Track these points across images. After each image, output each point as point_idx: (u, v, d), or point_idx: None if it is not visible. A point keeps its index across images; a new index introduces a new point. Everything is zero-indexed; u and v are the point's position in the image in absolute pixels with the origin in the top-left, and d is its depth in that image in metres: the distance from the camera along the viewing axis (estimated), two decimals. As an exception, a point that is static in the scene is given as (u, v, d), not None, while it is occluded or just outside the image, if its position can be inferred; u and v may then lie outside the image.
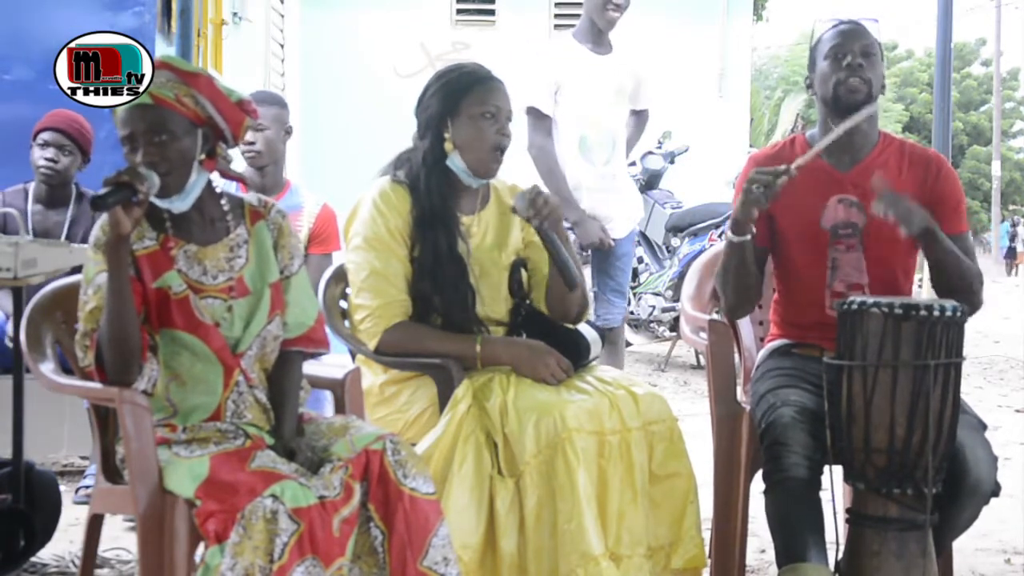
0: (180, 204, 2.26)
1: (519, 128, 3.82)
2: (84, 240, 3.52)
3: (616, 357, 4.30)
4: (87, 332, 2.20)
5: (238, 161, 3.64)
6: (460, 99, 2.64)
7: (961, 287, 2.61)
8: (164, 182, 2.18)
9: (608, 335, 4.24)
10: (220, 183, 2.42)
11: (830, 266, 2.69)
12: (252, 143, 3.71)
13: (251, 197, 2.44)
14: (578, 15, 4.36)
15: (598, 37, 4.19)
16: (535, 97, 4.13)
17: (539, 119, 4.14)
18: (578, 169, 4.15)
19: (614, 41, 4.24)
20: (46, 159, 3.83)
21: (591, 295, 4.36)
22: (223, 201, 2.36)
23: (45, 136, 3.85)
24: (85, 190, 3.91)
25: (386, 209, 2.65)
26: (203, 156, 2.28)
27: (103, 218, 2.16)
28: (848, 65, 2.65)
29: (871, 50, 2.67)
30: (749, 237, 2.63)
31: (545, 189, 3.04)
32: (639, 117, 4.44)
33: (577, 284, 2.61)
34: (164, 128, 2.20)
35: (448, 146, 2.66)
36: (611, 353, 4.27)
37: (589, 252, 4.29)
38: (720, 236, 7.24)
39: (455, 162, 2.66)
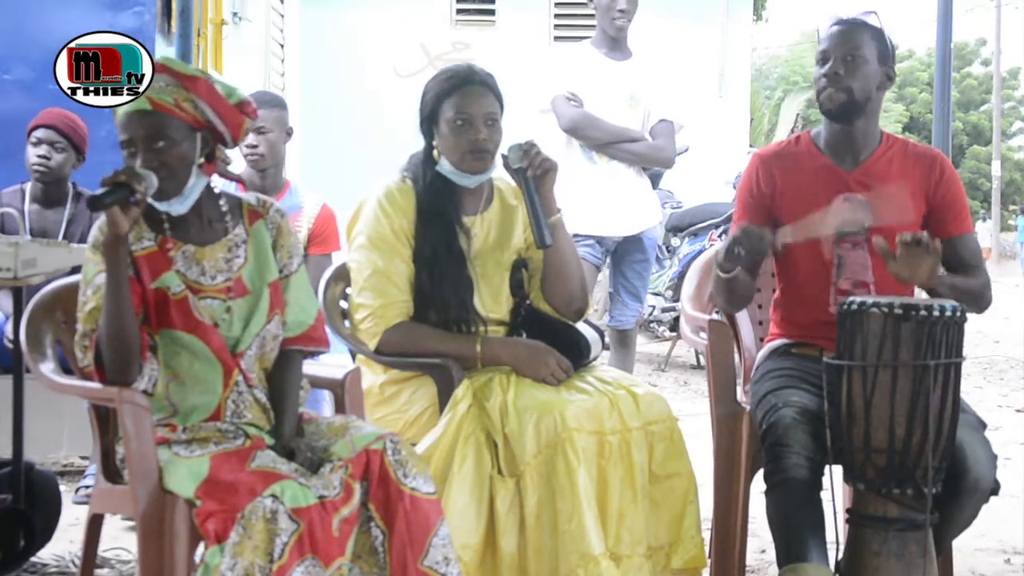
0: (179, 207, 2.26)
1: (532, 127, 3.82)
2: (82, 240, 3.52)
3: (627, 360, 4.26)
4: (86, 332, 2.20)
5: (239, 162, 3.64)
6: (438, 107, 2.65)
7: (975, 309, 2.63)
8: (163, 186, 2.18)
9: (620, 337, 4.23)
10: (220, 183, 2.42)
11: (836, 264, 2.69)
12: (255, 146, 3.70)
13: (250, 197, 2.43)
14: (578, 15, 4.35)
15: (613, 44, 4.18)
16: (550, 94, 4.12)
17: (560, 103, 4.10)
18: (573, 164, 4.09)
19: (634, 48, 4.22)
20: (39, 156, 3.82)
21: (607, 295, 4.35)
22: (221, 202, 2.36)
23: (38, 134, 3.84)
24: (82, 189, 3.90)
25: (391, 209, 2.65)
26: (202, 159, 2.28)
27: (101, 219, 2.16)
28: (825, 74, 2.66)
29: (857, 52, 2.65)
30: (736, 271, 2.66)
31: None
32: (662, 127, 4.18)
33: (546, 244, 2.60)
34: (163, 134, 2.19)
35: (436, 152, 2.68)
36: (623, 355, 4.24)
37: (608, 254, 4.23)
38: (720, 236, 7.23)
39: (443, 166, 2.67)
